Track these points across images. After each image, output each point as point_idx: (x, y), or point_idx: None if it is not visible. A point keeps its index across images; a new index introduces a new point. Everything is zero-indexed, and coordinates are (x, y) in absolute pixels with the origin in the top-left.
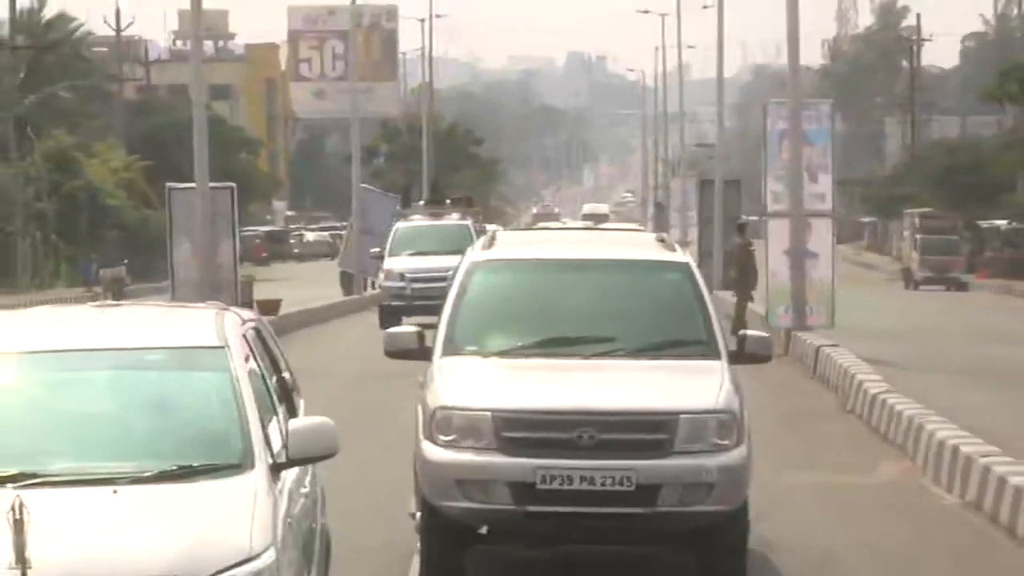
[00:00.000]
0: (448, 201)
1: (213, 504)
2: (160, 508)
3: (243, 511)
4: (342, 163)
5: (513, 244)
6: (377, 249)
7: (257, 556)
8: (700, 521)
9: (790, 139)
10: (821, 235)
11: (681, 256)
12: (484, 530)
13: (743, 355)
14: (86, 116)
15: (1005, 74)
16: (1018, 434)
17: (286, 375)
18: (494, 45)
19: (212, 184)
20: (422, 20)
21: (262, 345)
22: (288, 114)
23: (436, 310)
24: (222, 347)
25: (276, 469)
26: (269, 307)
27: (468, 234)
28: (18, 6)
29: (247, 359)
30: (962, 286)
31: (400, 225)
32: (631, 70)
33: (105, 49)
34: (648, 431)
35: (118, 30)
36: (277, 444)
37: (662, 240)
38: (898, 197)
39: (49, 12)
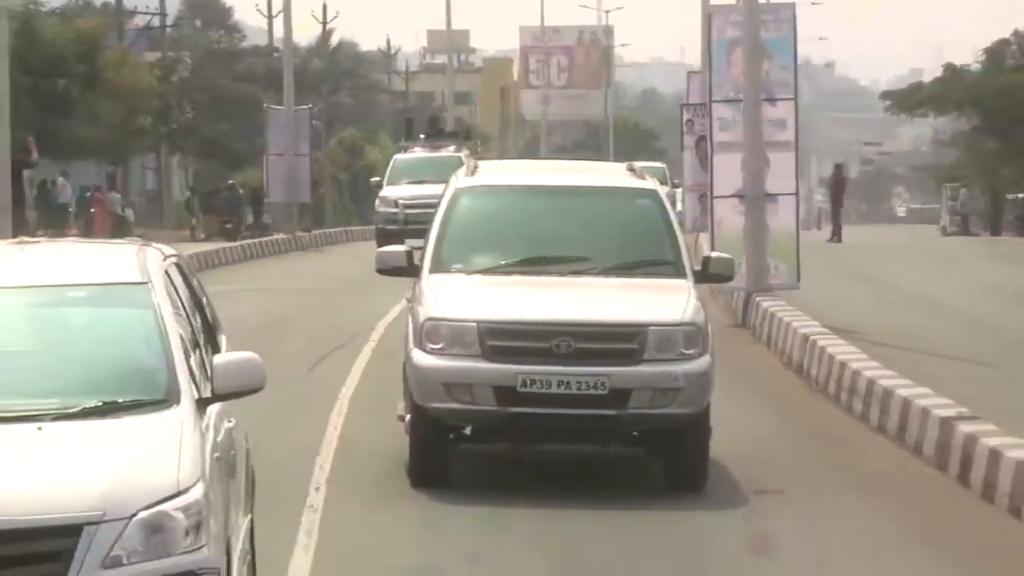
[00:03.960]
0: (446, 134)
1: (140, 439)
2: (86, 444)
3: (170, 446)
4: (557, 156)
5: (495, 172)
6: (376, 179)
7: (186, 491)
8: (667, 422)
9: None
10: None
11: (650, 184)
12: (468, 430)
13: (707, 275)
14: (361, 116)
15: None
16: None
17: (208, 310)
18: None
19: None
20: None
21: (184, 281)
22: (518, 117)
23: (425, 233)
24: (145, 283)
25: (202, 404)
26: None
27: (461, 165)
28: (304, 35)
29: (170, 294)
30: (975, 235)
31: (398, 157)
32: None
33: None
34: (620, 341)
35: (388, 52)
36: (202, 379)
37: (632, 169)
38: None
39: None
